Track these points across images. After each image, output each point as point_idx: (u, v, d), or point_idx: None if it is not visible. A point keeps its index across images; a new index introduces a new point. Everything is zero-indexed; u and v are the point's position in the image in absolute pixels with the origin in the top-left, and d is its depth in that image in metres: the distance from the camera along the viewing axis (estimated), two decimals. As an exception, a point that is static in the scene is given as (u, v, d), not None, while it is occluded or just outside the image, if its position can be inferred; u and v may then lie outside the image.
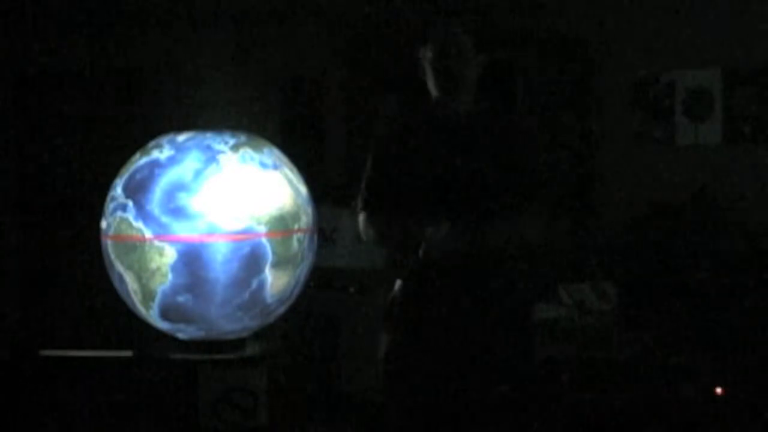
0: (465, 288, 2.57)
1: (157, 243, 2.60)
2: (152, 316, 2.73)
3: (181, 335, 2.82)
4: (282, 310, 2.86)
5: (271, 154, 2.83)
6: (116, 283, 2.76)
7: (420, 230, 2.57)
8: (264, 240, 2.66)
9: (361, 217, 2.75)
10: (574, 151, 5.04)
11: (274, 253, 2.67)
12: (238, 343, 2.86)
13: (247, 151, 2.75)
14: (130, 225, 2.64)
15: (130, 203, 2.65)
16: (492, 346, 2.58)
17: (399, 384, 2.66)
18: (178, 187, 2.63)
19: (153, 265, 2.62)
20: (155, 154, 2.72)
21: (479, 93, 2.67)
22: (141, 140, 2.88)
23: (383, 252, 4.37)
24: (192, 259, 2.60)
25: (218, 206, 2.62)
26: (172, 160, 2.69)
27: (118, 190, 2.72)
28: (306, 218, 2.81)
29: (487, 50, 2.64)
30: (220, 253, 2.61)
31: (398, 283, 2.68)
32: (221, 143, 2.73)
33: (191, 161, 2.67)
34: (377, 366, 2.71)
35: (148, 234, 2.61)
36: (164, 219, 2.61)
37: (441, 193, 2.59)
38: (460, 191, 2.58)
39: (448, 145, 2.62)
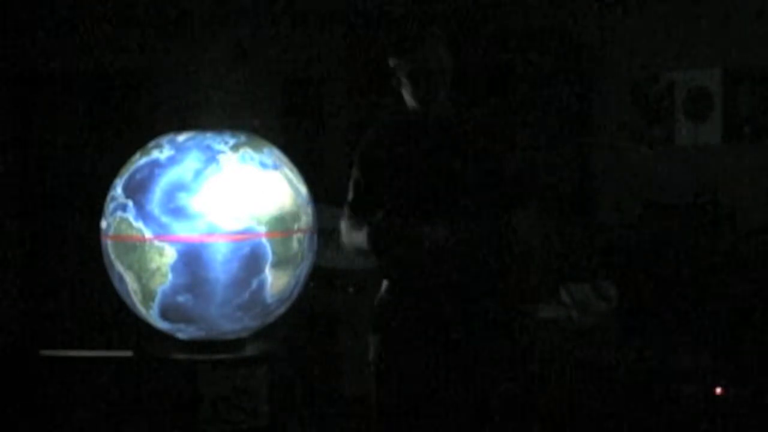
0: (452, 289, 2.57)
1: (157, 243, 2.60)
2: (152, 316, 2.73)
3: (181, 335, 2.82)
4: (282, 310, 2.86)
5: (271, 154, 2.83)
6: (116, 283, 2.76)
7: (412, 233, 2.54)
8: (264, 240, 2.66)
9: (344, 225, 2.71)
10: (573, 150, 5.04)
11: (274, 253, 2.68)
12: (238, 343, 2.86)
13: (247, 151, 2.75)
14: (130, 225, 2.64)
15: (130, 203, 2.65)
16: (482, 347, 2.58)
17: (389, 386, 2.65)
18: (178, 187, 2.63)
19: (153, 265, 2.62)
20: (155, 154, 2.72)
21: (459, 94, 2.68)
22: (141, 140, 2.88)
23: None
24: (192, 259, 2.60)
25: (218, 206, 2.62)
26: (172, 160, 2.69)
27: (118, 190, 2.72)
28: (306, 218, 2.81)
29: (460, 53, 2.64)
30: (220, 253, 2.61)
31: (384, 284, 2.67)
32: (221, 143, 2.73)
33: (191, 161, 2.67)
34: (368, 368, 2.71)
35: (148, 234, 2.61)
36: (164, 219, 2.61)
37: (428, 196, 2.58)
38: (444, 193, 2.58)
39: (427, 149, 2.61)
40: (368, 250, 2.56)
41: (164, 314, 2.70)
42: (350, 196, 2.71)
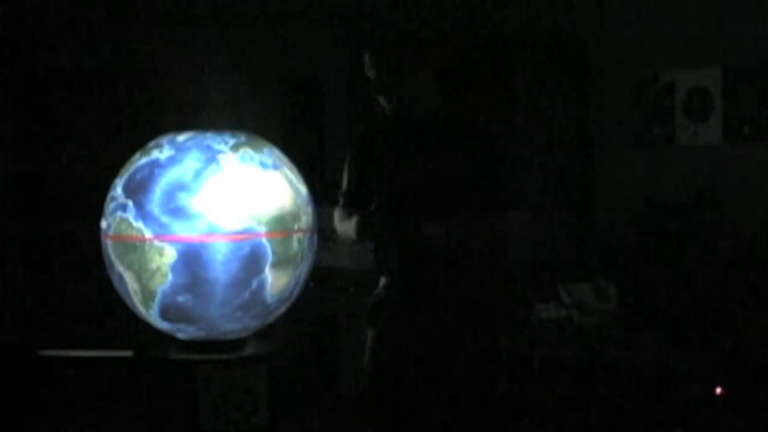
0: (447, 287, 2.58)
1: (157, 243, 2.60)
2: (152, 316, 2.72)
3: (181, 335, 2.82)
4: (282, 310, 2.86)
5: (271, 154, 2.83)
6: (116, 283, 2.76)
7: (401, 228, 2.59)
8: (264, 240, 2.65)
9: (338, 214, 2.86)
10: (573, 151, 5.04)
11: (274, 253, 2.67)
12: (238, 343, 2.86)
13: (247, 151, 2.75)
14: (130, 225, 2.64)
15: (130, 203, 2.65)
16: (477, 344, 2.58)
17: (383, 381, 2.68)
18: (178, 187, 2.63)
19: (153, 265, 2.62)
20: (155, 154, 2.72)
21: (440, 94, 2.70)
22: (141, 140, 2.88)
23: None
24: (192, 259, 2.60)
25: (218, 206, 2.62)
26: (172, 160, 2.68)
27: (118, 190, 2.72)
28: (306, 218, 2.81)
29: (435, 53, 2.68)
30: (220, 253, 2.61)
31: (382, 280, 2.69)
32: (221, 143, 2.73)
33: (191, 161, 2.67)
34: (364, 364, 2.74)
35: (148, 234, 2.61)
36: (164, 219, 2.61)
37: (414, 193, 2.62)
38: (430, 190, 2.60)
39: (415, 145, 2.65)
40: (356, 240, 2.71)
41: (164, 314, 2.70)
42: (343, 185, 2.79)
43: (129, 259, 2.65)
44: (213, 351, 2.80)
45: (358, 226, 2.68)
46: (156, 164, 2.69)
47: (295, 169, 2.89)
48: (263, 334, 2.94)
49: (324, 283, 4.36)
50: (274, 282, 2.71)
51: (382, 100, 2.69)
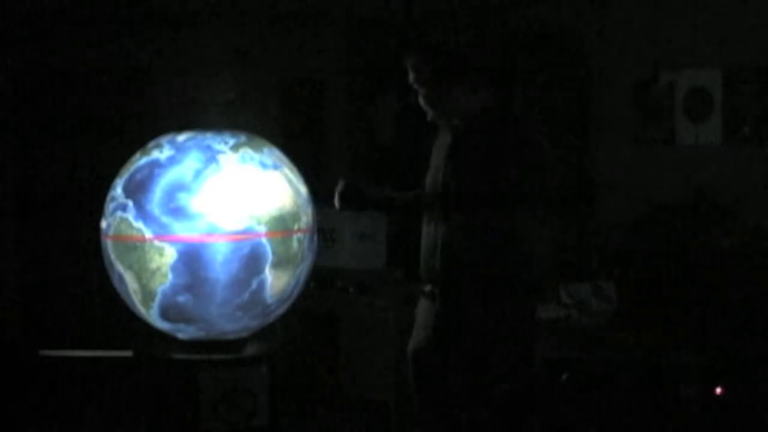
0: (454, 288, 2.59)
1: (157, 243, 2.60)
2: (152, 316, 2.72)
3: (181, 335, 2.82)
4: (282, 310, 2.86)
5: (271, 154, 2.83)
6: (116, 283, 2.76)
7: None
8: (264, 240, 2.66)
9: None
10: (574, 151, 5.04)
11: (274, 253, 2.67)
12: (238, 343, 2.86)
13: (247, 151, 2.75)
14: (130, 225, 2.64)
15: (130, 203, 2.65)
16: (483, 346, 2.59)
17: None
18: (178, 187, 2.63)
19: (153, 265, 2.62)
20: (155, 154, 2.72)
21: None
22: (141, 140, 2.88)
23: (383, 252, 4.37)
24: (192, 259, 2.60)
25: (218, 206, 2.62)
26: (172, 160, 2.68)
27: (118, 190, 2.72)
28: (306, 218, 2.81)
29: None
30: (220, 253, 2.61)
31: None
32: (221, 143, 2.73)
33: (191, 161, 2.67)
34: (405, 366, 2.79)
35: (148, 234, 2.61)
36: (164, 219, 2.61)
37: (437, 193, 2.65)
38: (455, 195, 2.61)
39: (444, 149, 2.67)
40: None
41: (164, 314, 2.70)
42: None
43: (129, 259, 2.65)
44: (213, 351, 2.80)
45: (340, 194, 2.84)
46: (156, 164, 2.69)
47: (295, 169, 2.89)
48: (263, 334, 2.94)
49: (324, 283, 4.35)
50: (274, 282, 2.71)
51: (429, 111, 2.71)
